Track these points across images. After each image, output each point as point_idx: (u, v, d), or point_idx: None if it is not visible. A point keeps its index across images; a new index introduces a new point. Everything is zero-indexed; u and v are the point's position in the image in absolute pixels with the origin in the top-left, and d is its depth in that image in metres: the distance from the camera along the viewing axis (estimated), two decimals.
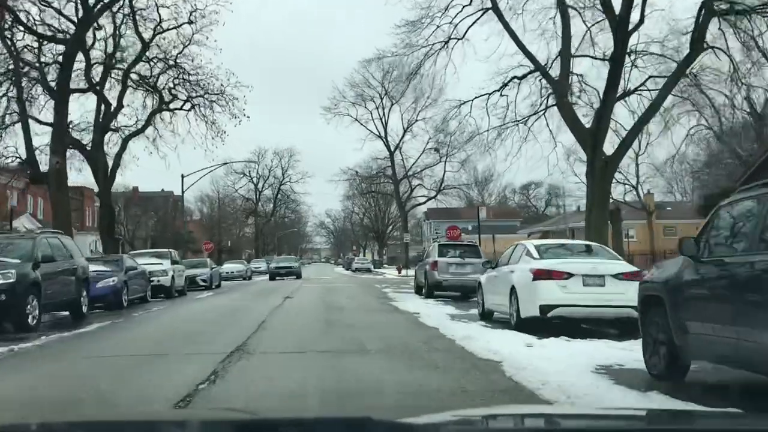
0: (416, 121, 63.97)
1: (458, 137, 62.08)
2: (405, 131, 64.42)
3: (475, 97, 26.87)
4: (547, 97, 25.13)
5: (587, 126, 22.97)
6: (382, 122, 64.94)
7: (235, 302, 22.62)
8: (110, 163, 37.64)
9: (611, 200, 45.94)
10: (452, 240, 36.29)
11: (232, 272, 48.64)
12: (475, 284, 23.84)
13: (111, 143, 38.71)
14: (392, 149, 65.16)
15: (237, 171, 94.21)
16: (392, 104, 64.51)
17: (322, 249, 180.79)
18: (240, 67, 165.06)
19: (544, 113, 25.52)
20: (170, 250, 29.52)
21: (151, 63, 39.16)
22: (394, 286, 33.49)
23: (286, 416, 3.10)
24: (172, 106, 40.60)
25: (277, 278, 45.49)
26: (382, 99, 64.06)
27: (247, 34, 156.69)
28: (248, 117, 41.59)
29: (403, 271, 55.42)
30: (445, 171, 63.96)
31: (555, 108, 25.14)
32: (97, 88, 36.52)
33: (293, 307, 19.59)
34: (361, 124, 64.41)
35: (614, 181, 41.85)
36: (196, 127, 41.35)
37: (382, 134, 65.06)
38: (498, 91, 26.26)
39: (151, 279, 24.91)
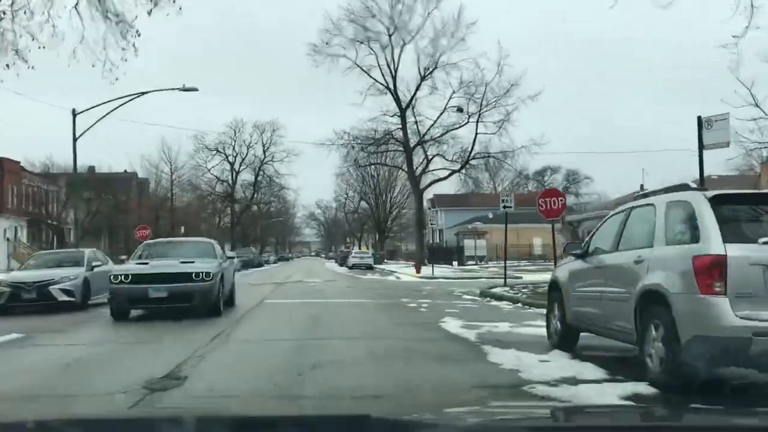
0: (435, 67, 46.38)
1: (496, 87, 44.71)
2: (422, 80, 46.58)
3: None
4: None
5: None
6: (390, 69, 47.15)
7: None
8: None
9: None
10: (551, 218, 18.99)
11: None
12: None
13: None
14: (404, 106, 47.29)
15: (209, 147, 76.88)
16: (404, 44, 46.77)
17: (312, 242, 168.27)
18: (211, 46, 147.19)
19: None
20: None
21: None
22: (456, 306, 15.81)
23: (284, 414, 2.93)
24: None
25: (143, 307, 14.07)
26: (390, 36, 46.25)
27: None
28: (180, 8, 24.04)
29: (424, 270, 37.84)
30: (477, 134, 46.04)
31: None
32: None
33: None
34: (363, 70, 46.50)
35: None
36: (90, 25, 23.65)
37: (391, 85, 47.22)
38: None
39: None
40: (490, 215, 73.59)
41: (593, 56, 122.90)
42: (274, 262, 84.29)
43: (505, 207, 22.10)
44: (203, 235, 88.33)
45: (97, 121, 26.35)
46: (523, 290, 19.94)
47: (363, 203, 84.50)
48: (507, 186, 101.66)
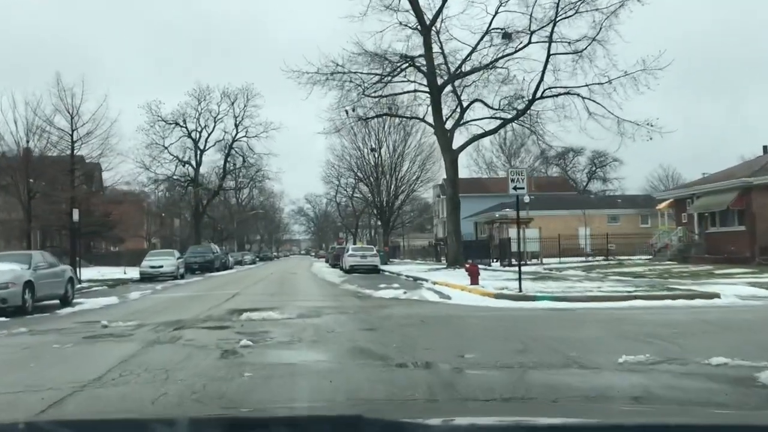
0: None
1: None
2: None
3: None
4: None
5: None
6: None
7: None
8: None
9: None
10: None
11: None
12: None
13: None
14: (428, 22, 29.77)
15: (166, 120, 59.22)
16: None
17: (302, 240, 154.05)
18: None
19: None
20: None
21: None
22: None
23: (277, 414, 2.81)
24: None
25: None
26: None
27: None
28: None
29: (483, 277, 20.55)
30: (549, 55, 28.31)
31: None
32: None
33: None
34: None
35: None
36: None
37: None
38: None
39: None
40: (527, 199, 56.17)
41: None
42: (251, 263, 66.78)
43: None
44: (165, 232, 69.61)
45: None
46: None
47: (358, 190, 67.02)
48: (527, 168, 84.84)
